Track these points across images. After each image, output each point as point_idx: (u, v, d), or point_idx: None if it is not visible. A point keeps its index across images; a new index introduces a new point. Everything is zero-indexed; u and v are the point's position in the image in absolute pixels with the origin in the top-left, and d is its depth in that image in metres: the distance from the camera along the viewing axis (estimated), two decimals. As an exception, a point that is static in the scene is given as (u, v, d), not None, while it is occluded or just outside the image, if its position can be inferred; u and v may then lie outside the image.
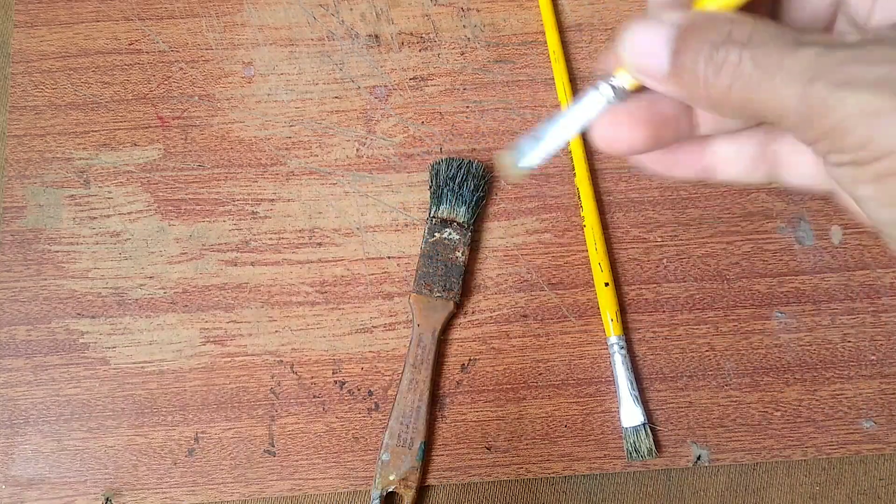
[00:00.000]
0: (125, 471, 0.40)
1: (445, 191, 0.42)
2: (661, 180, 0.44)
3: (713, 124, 0.23)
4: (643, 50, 0.20)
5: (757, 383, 0.41)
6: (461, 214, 0.42)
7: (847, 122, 0.18)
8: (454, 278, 0.42)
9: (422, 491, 0.40)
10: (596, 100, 0.23)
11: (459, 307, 0.42)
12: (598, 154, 0.44)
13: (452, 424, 0.41)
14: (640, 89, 0.22)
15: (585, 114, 0.23)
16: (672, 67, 0.20)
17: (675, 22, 0.20)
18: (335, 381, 0.41)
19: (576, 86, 0.45)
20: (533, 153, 0.25)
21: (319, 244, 0.43)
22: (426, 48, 0.46)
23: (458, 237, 0.42)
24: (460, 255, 0.42)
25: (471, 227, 0.42)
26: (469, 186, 0.42)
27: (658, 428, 0.41)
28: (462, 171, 0.42)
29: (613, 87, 0.22)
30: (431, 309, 0.41)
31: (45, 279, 0.42)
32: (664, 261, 0.43)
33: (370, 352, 0.42)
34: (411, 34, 0.46)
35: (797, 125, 0.19)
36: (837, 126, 0.18)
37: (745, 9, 0.20)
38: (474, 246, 0.43)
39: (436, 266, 0.42)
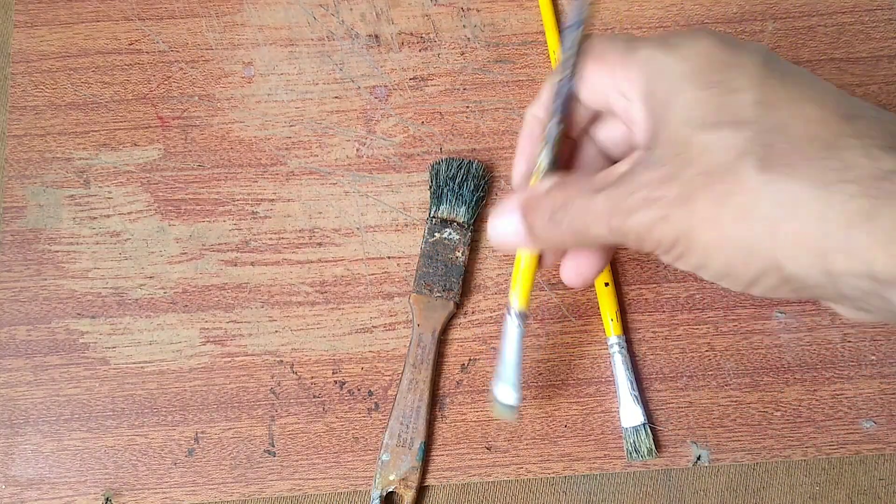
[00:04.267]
0: (125, 471, 0.40)
1: (445, 191, 0.42)
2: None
3: None
4: (506, 233, 0.29)
5: (757, 383, 0.41)
6: (461, 214, 0.42)
7: (649, 242, 0.25)
8: (454, 278, 0.42)
9: (422, 491, 0.40)
10: (511, 325, 0.34)
11: (459, 307, 0.42)
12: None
13: (452, 424, 0.41)
14: (526, 313, 0.33)
15: (510, 338, 0.34)
16: (528, 238, 0.29)
17: (517, 208, 0.28)
18: (335, 381, 0.41)
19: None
20: (506, 390, 0.34)
21: (319, 244, 0.43)
22: (426, 48, 0.46)
23: (458, 237, 0.42)
24: (460, 255, 0.42)
25: (471, 227, 0.42)
26: (469, 186, 0.42)
27: (658, 428, 0.41)
28: (462, 171, 0.42)
29: (513, 314, 0.33)
30: (431, 309, 0.41)
31: (45, 279, 0.42)
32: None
33: (370, 352, 0.42)
34: (411, 34, 0.46)
35: (627, 244, 0.26)
36: (648, 247, 0.26)
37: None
38: (474, 246, 0.43)
39: (436, 266, 0.42)
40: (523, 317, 0.33)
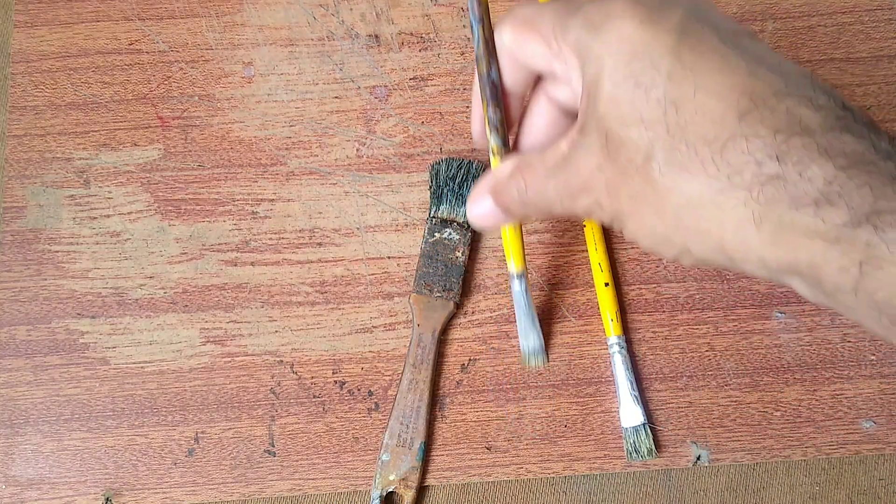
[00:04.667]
0: (125, 471, 0.40)
1: (445, 191, 0.42)
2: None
3: None
4: (484, 216, 0.32)
5: (757, 383, 0.41)
6: (461, 214, 0.42)
7: (595, 221, 0.30)
8: (454, 278, 0.42)
9: (422, 491, 0.40)
10: (517, 286, 0.37)
11: (459, 307, 0.42)
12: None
13: (452, 424, 0.41)
14: (524, 271, 0.37)
15: (518, 299, 0.37)
16: (503, 217, 0.31)
17: (488, 193, 0.31)
18: (335, 381, 0.41)
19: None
20: (528, 339, 0.38)
21: (319, 244, 0.43)
22: (426, 48, 0.46)
23: (458, 237, 0.42)
24: (460, 255, 0.42)
25: (471, 227, 0.42)
26: (469, 186, 0.42)
27: (658, 428, 0.41)
28: (462, 171, 0.42)
29: (514, 277, 0.37)
30: (431, 309, 0.41)
31: (45, 279, 0.42)
32: (664, 261, 0.43)
33: (370, 352, 0.42)
34: (411, 34, 0.46)
35: (593, 215, 0.28)
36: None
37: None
38: (474, 246, 0.43)
39: (436, 266, 0.42)
40: (523, 276, 0.37)
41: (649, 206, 0.25)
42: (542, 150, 0.29)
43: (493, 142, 0.33)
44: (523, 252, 0.37)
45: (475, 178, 0.42)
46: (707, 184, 0.23)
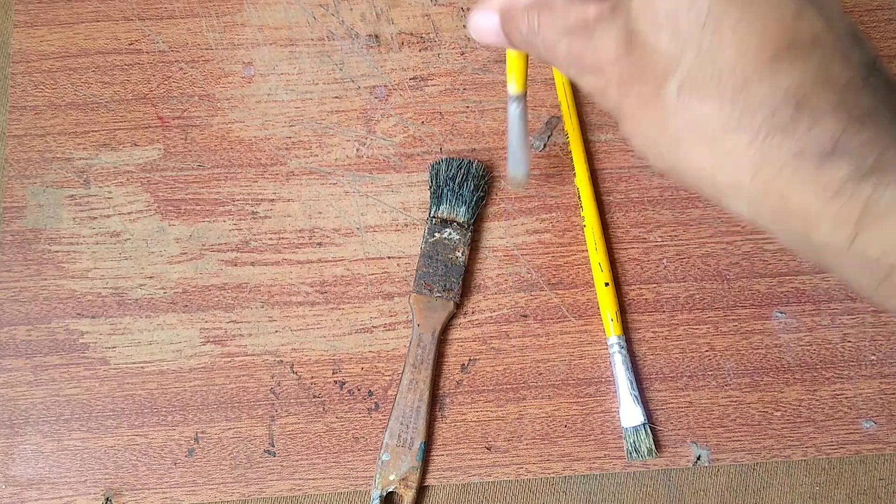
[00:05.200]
0: (125, 471, 0.40)
1: (445, 191, 0.42)
2: (661, 180, 0.44)
3: None
4: (486, 31, 0.30)
5: (757, 383, 0.41)
6: (461, 214, 0.42)
7: (595, 98, 0.28)
8: (454, 278, 0.42)
9: (422, 491, 0.40)
10: (514, 108, 0.36)
11: (459, 307, 0.42)
12: (598, 154, 0.44)
13: (452, 424, 0.41)
14: (523, 94, 0.36)
15: (512, 121, 0.36)
16: (504, 41, 0.30)
17: (497, 11, 0.30)
18: (335, 381, 0.41)
19: (574, 85, 0.45)
20: (515, 165, 0.37)
21: (319, 244, 0.43)
22: (426, 48, 0.46)
23: (458, 237, 0.42)
24: (460, 255, 0.42)
25: (471, 227, 0.42)
26: (469, 186, 0.42)
27: (658, 428, 0.41)
28: (462, 171, 0.42)
29: (512, 98, 0.36)
30: (431, 309, 0.41)
31: (45, 279, 0.42)
32: (664, 261, 0.43)
33: (370, 352, 0.42)
34: (411, 34, 0.46)
35: (594, 98, 0.28)
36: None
37: None
38: (474, 246, 0.43)
39: (436, 266, 0.42)
40: (521, 98, 0.36)
41: (654, 117, 0.25)
42: None
43: None
44: (525, 73, 0.35)
45: (475, 178, 0.42)
46: (717, 116, 0.23)
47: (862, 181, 0.21)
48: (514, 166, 0.37)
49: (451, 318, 0.42)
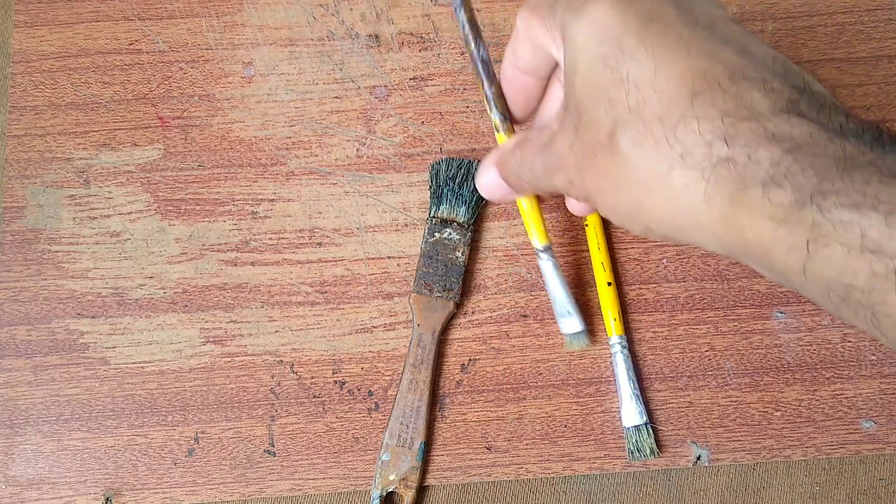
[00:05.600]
0: (125, 471, 0.40)
1: (445, 191, 0.42)
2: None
3: None
4: (490, 186, 0.34)
5: (757, 383, 0.41)
6: (461, 214, 0.42)
7: (574, 197, 0.30)
8: (454, 278, 0.42)
9: (422, 491, 0.40)
10: (545, 264, 0.38)
11: (459, 307, 0.42)
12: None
13: (452, 424, 0.41)
14: (549, 246, 0.38)
15: (550, 276, 0.38)
16: (507, 189, 0.34)
17: (493, 164, 0.33)
18: (335, 381, 0.41)
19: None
20: (569, 321, 0.38)
21: (319, 244, 0.43)
22: (426, 48, 0.46)
23: (458, 237, 0.42)
24: (460, 255, 0.42)
25: (471, 227, 0.42)
26: (469, 186, 0.42)
27: (658, 428, 0.41)
28: (462, 171, 0.42)
29: (540, 252, 0.38)
30: (431, 309, 0.41)
31: (45, 279, 0.42)
32: (664, 261, 0.43)
33: (370, 352, 0.42)
34: (411, 34, 0.46)
35: (569, 193, 0.30)
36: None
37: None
38: (474, 246, 0.43)
39: (436, 266, 0.42)
40: (549, 250, 0.38)
41: (613, 184, 0.26)
42: (541, 128, 0.30)
43: (494, 117, 0.35)
44: (544, 224, 0.37)
45: (475, 178, 0.42)
46: (661, 161, 0.24)
47: (804, 207, 0.22)
48: (567, 322, 0.39)
49: (451, 318, 0.42)
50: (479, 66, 0.35)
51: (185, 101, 0.45)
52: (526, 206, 0.37)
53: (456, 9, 0.35)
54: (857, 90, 0.45)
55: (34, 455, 0.40)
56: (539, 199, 0.37)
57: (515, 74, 0.33)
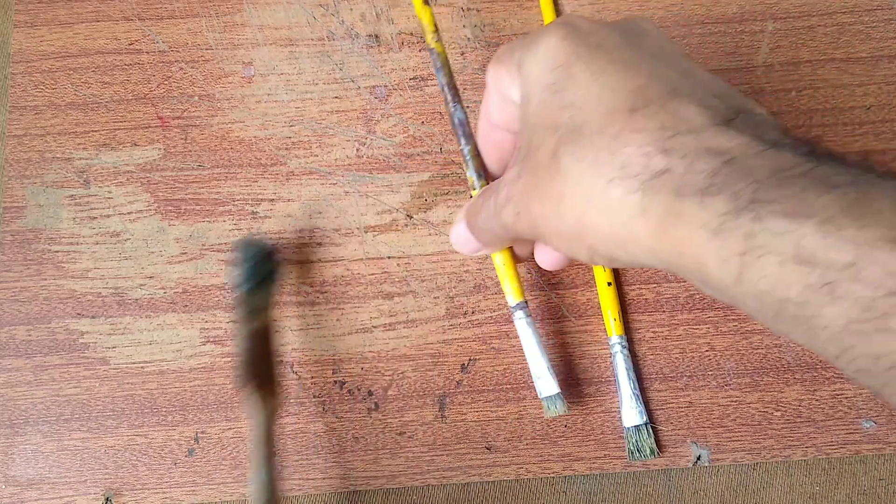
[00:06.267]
0: (125, 471, 0.40)
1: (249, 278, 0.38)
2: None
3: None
4: (460, 239, 0.35)
5: (757, 383, 0.41)
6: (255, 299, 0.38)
7: (523, 235, 0.30)
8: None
9: (422, 490, 0.40)
10: (519, 323, 0.38)
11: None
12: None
13: (452, 424, 0.41)
14: (524, 303, 0.38)
15: (524, 335, 0.38)
16: (477, 241, 0.34)
17: (464, 217, 0.34)
18: (335, 381, 0.41)
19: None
20: (544, 383, 0.38)
21: (319, 244, 0.43)
22: (426, 48, 0.46)
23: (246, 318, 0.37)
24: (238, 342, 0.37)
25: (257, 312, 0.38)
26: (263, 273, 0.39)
27: (658, 428, 0.41)
28: (259, 255, 0.39)
29: (514, 309, 0.38)
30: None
31: (45, 279, 0.42)
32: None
33: (370, 352, 0.42)
34: (411, 34, 0.46)
35: (517, 228, 0.30)
36: (528, 239, 0.32)
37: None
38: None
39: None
40: (524, 307, 0.38)
41: (555, 207, 0.26)
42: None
43: (470, 174, 0.37)
44: (519, 279, 0.37)
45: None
46: (600, 175, 0.24)
47: (740, 216, 0.21)
48: (543, 387, 0.38)
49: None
50: (457, 126, 0.37)
51: (185, 101, 0.45)
52: (500, 260, 0.37)
53: (436, 71, 0.37)
54: (857, 90, 0.45)
55: (34, 455, 0.40)
56: (514, 256, 0.37)
57: (488, 129, 0.34)
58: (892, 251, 0.19)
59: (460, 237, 0.35)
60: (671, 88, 0.25)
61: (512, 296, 0.38)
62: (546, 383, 0.38)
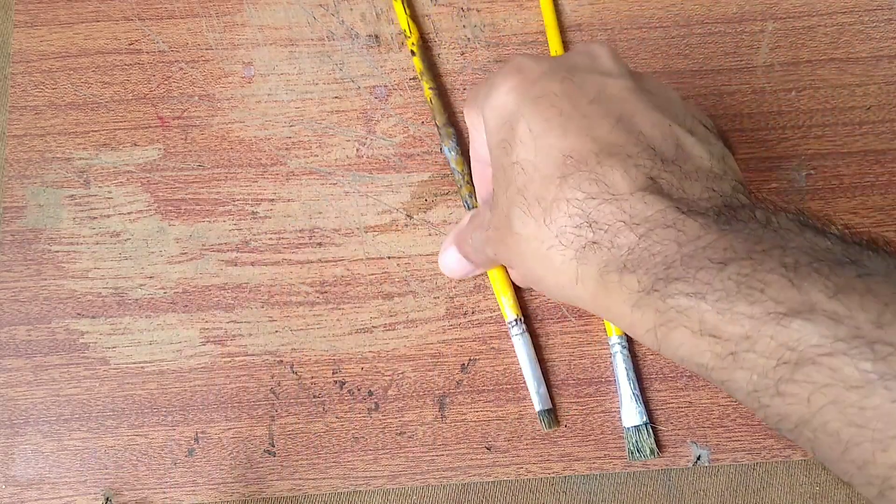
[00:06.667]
0: (125, 471, 0.40)
1: None
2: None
3: None
4: (449, 263, 0.38)
5: (757, 383, 0.41)
6: None
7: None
8: None
9: (422, 490, 0.40)
10: (515, 339, 0.40)
11: None
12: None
13: (452, 424, 0.41)
14: (519, 318, 0.40)
15: (519, 351, 0.40)
16: (468, 264, 0.37)
17: (452, 242, 0.37)
18: (335, 381, 0.41)
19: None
20: (537, 399, 0.40)
21: (319, 244, 0.43)
22: (426, 48, 0.46)
23: None
24: None
25: None
26: None
27: (658, 428, 0.41)
28: None
29: (510, 325, 0.40)
30: None
31: (45, 279, 0.42)
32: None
33: (370, 352, 0.42)
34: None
35: (500, 262, 0.35)
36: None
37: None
38: None
39: None
40: (519, 322, 0.40)
41: (517, 257, 0.28)
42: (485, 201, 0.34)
43: (463, 201, 0.41)
44: (514, 295, 0.40)
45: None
46: (542, 240, 0.26)
47: (651, 294, 0.23)
48: (538, 402, 0.40)
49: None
50: (452, 170, 0.42)
51: (185, 101, 0.45)
52: (494, 276, 0.39)
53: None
54: (857, 90, 0.45)
55: (34, 455, 0.40)
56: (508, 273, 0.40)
57: (476, 166, 0.36)
58: (779, 324, 0.20)
59: (452, 262, 0.37)
60: (599, 149, 0.25)
61: (508, 310, 0.40)
62: (539, 399, 0.40)
